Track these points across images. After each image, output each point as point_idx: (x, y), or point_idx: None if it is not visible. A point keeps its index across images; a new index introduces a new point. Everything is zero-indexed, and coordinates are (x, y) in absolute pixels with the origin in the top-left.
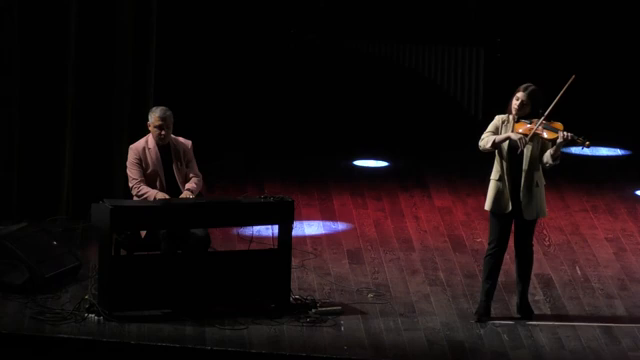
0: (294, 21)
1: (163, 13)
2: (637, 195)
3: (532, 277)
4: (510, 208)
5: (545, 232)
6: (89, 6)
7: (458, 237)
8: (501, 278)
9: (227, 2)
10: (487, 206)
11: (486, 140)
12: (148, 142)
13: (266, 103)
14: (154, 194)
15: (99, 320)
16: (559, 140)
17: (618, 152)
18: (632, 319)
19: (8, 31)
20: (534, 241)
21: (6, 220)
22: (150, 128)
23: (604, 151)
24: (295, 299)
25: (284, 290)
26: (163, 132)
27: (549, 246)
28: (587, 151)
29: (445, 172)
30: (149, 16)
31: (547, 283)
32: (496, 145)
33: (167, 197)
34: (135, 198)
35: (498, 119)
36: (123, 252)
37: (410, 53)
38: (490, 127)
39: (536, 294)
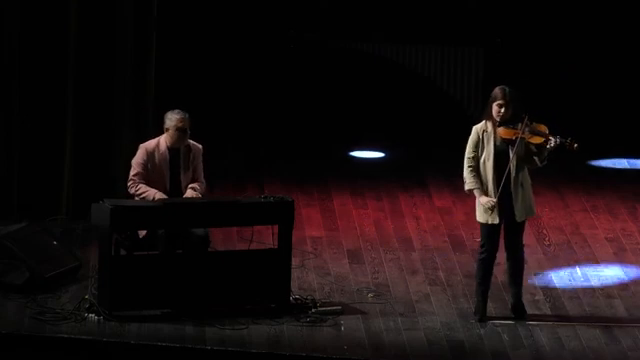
0: (294, 21)
1: (163, 13)
2: None
3: (532, 277)
4: (497, 220)
5: (545, 232)
6: (89, 6)
7: (458, 237)
8: (502, 278)
9: (227, 2)
10: (478, 217)
11: (467, 183)
12: (160, 144)
13: (266, 103)
14: (153, 194)
15: (99, 320)
16: (548, 146)
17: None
18: (632, 319)
19: (8, 31)
20: (534, 241)
21: (6, 220)
22: (169, 131)
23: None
24: (295, 299)
25: (284, 290)
26: (184, 134)
27: (549, 246)
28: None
29: (445, 172)
30: (149, 16)
31: (547, 283)
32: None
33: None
34: (136, 198)
35: (475, 132)
36: (123, 252)
37: (410, 53)
38: (469, 146)
39: (536, 294)
